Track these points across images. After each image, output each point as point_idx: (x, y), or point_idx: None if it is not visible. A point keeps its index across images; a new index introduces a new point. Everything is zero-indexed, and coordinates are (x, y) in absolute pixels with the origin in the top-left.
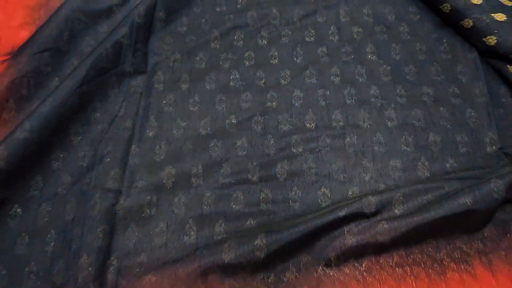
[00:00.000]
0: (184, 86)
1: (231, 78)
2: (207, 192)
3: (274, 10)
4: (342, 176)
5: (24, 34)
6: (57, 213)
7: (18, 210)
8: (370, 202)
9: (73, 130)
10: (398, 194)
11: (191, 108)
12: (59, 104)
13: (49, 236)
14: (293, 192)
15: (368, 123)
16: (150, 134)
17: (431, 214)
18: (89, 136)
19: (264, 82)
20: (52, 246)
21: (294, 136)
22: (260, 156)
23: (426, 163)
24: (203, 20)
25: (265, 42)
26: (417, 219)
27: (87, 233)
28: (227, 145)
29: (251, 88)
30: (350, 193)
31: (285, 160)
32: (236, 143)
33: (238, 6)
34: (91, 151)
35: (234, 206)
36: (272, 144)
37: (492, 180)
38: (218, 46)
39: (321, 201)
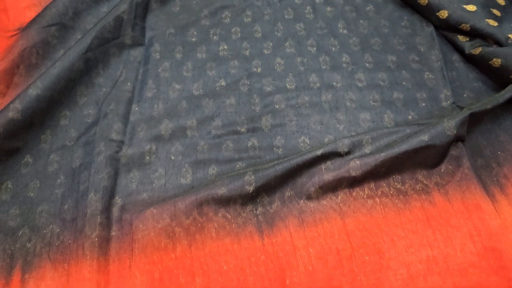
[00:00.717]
0: (178, 55)
1: (220, 49)
2: (201, 142)
3: None
4: (319, 127)
5: (31, 14)
6: (65, 162)
7: (30, 159)
8: (344, 143)
9: (78, 92)
10: (367, 136)
11: (185, 74)
12: (67, 67)
13: (58, 181)
14: (277, 140)
15: (341, 84)
16: (149, 95)
17: (395, 150)
18: (93, 98)
19: (249, 52)
20: (61, 188)
21: (277, 95)
22: (247, 111)
23: (391, 115)
24: (194, 2)
25: (249, 19)
26: (384, 155)
27: (94, 175)
28: (218, 103)
29: (238, 57)
30: (326, 140)
31: (269, 115)
32: (226, 102)
33: None
34: (95, 110)
35: (225, 152)
36: (258, 102)
37: (445, 120)
38: (208, 23)
39: (301, 146)
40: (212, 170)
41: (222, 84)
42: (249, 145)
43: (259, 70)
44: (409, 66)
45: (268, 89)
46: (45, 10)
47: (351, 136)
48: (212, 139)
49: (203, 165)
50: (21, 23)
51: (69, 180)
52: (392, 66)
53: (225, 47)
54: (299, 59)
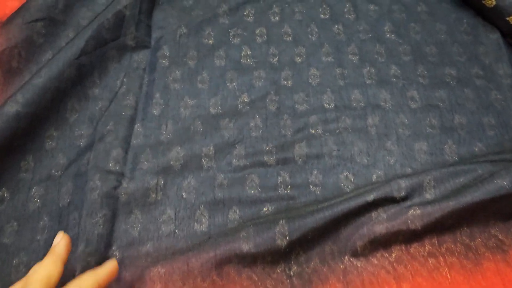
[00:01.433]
0: (192, 62)
1: (241, 54)
2: (219, 175)
3: None
4: (365, 160)
5: (13, 4)
6: (50, 198)
7: (6, 194)
8: (400, 186)
9: (69, 106)
10: (428, 177)
11: (200, 86)
12: (55, 75)
13: (41, 223)
14: (314, 176)
15: (390, 104)
16: (155, 112)
17: (468, 198)
18: (87, 114)
19: (278, 60)
20: (45, 234)
21: (312, 116)
22: (276, 137)
23: (453, 146)
24: None
25: (277, 18)
26: (452, 204)
27: (85, 219)
28: (240, 125)
29: (264, 65)
30: (374, 177)
31: (304, 142)
32: (250, 123)
33: None
34: (90, 129)
35: (249, 190)
36: (289, 124)
37: None
38: (227, 22)
39: (344, 185)
40: (233, 213)
41: (245, 100)
42: (279, 181)
43: (289, 83)
44: (472, 83)
45: (301, 108)
46: (30, 0)
47: (408, 176)
48: (233, 172)
49: (223, 207)
50: (2, 15)
51: (55, 223)
52: (451, 82)
53: (248, 52)
54: (338, 71)
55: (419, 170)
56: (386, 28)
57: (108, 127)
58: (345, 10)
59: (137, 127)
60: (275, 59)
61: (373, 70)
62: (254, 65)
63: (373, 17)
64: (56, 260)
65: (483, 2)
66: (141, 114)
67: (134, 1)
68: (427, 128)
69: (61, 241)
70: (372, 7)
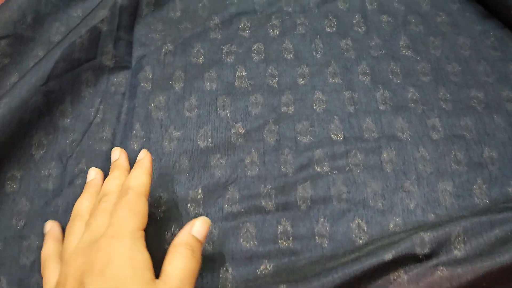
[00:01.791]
0: (178, 85)
1: (236, 76)
2: None
3: None
4: (380, 204)
5: None
6: (10, 255)
7: None
8: (423, 240)
9: (35, 141)
10: (457, 228)
11: (187, 114)
12: (18, 105)
13: None
14: (320, 225)
15: (408, 134)
16: (135, 147)
17: (505, 257)
18: (56, 149)
19: (278, 82)
20: None
21: (318, 150)
22: (275, 176)
23: (484, 186)
24: (200, 5)
25: (276, 32)
26: (487, 265)
27: None
28: (234, 161)
29: (262, 88)
30: (391, 225)
31: (308, 182)
32: (245, 160)
33: None
34: (59, 169)
35: (244, 243)
36: (290, 160)
37: None
38: (219, 36)
39: (355, 236)
40: (225, 272)
41: (240, 131)
42: (279, 231)
43: (291, 110)
44: (502, 108)
45: (305, 140)
46: None
47: (433, 227)
48: (225, 221)
49: (212, 264)
50: None
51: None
52: (478, 108)
53: (243, 73)
54: (347, 94)
55: (444, 216)
56: (401, 43)
57: (80, 165)
58: (354, 22)
59: None
60: (274, 81)
61: (387, 94)
62: (250, 88)
63: (387, 30)
64: (145, 171)
65: None
66: None
67: (112, 14)
68: (452, 164)
69: (145, 157)
70: (385, 18)
